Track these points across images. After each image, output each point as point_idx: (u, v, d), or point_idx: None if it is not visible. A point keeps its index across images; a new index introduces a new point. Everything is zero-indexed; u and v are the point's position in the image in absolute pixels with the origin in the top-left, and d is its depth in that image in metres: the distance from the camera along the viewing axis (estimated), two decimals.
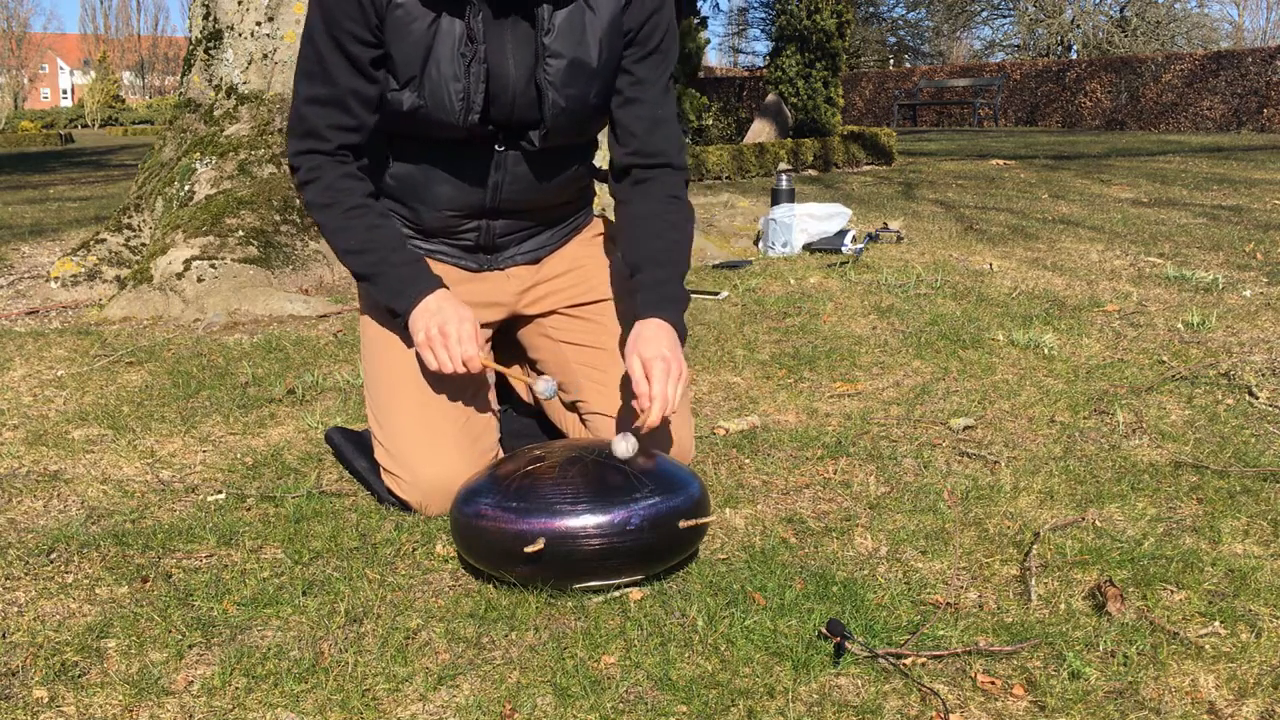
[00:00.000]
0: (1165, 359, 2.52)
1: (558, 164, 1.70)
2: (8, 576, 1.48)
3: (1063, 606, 1.35)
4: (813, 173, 8.46)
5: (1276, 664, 1.20)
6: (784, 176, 4.49)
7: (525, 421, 1.95)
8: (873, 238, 4.41)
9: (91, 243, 3.81)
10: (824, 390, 2.35)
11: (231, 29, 3.95)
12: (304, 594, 1.40)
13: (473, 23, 1.52)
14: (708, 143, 9.64)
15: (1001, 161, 8.75)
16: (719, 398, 2.31)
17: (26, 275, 4.01)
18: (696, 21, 10.19)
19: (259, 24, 3.92)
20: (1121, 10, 29.03)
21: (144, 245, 3.78)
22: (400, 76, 1.55)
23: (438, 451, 1.62)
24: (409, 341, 1.62)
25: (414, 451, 1.62)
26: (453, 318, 1.54)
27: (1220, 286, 3.36)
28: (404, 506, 1.67)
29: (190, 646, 1.27)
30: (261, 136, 3.83)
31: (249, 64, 3.93)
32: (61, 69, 67.01)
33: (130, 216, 3.89)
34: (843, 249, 4.11)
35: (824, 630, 1.25)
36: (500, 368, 1.64)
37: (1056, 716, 1.12)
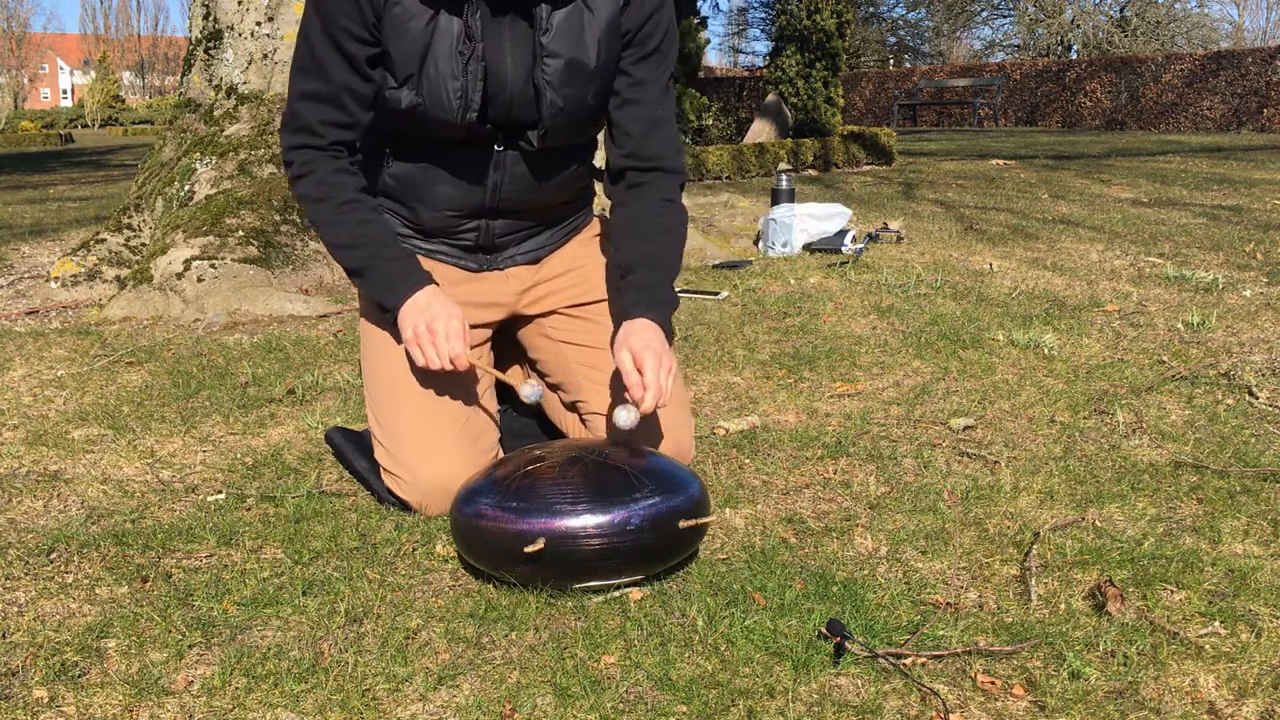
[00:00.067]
0: (1165, 359, 2.52)
1: (557, 164, 1.70)
2: (8, 576, 1.48)
3: (1063, 606, 1.35)
4: (813, 173, 8.46)
5: (1276, 664, 1.20)
6: (784, 176, 4.49)
7: (525, 421, 1.95)
8: (873, 238, 4.41)
9: (91, 243, 3.81)
10: (824, 390, 2.35)
11: (231, 29, 3.95)
12: (304, 594, 1.40)
13: (471, 21, 1.52)
14: (708, 143, 9.64)
15: (1001, 161, 8.75)
16: (719, 398, 2.31)
17: (26, 275, 4.01)
18: (696, 21, 10.19)
19: (259, 24, 3.92)
20: (1121, 10, 29.03)
21: (144, 245, 3.78)
22: (398, 74, 1.55)
23: (438, 451, 1.62)
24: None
25: (414, 451, 1.62)
26: (441, 314, 1.54)
27: (1220, 286, 3.36)
28: (404, 506, 1.67)
29: (190, 646, 1.27)
30: (261, 136, 3.83)
31: (249, 64, 3.93)
32: (61, 69, 67.03)
33: (130, 216, 3.89)
34: (843, 249, 4.11)
35: (824, 630, 1.25)
36: (487, 368, 1.63)
37: (1056, 716, 1.12)
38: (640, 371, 1.49)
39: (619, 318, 1.59)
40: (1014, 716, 1.12)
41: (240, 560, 1.52)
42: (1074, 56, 28.20)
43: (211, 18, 3.99)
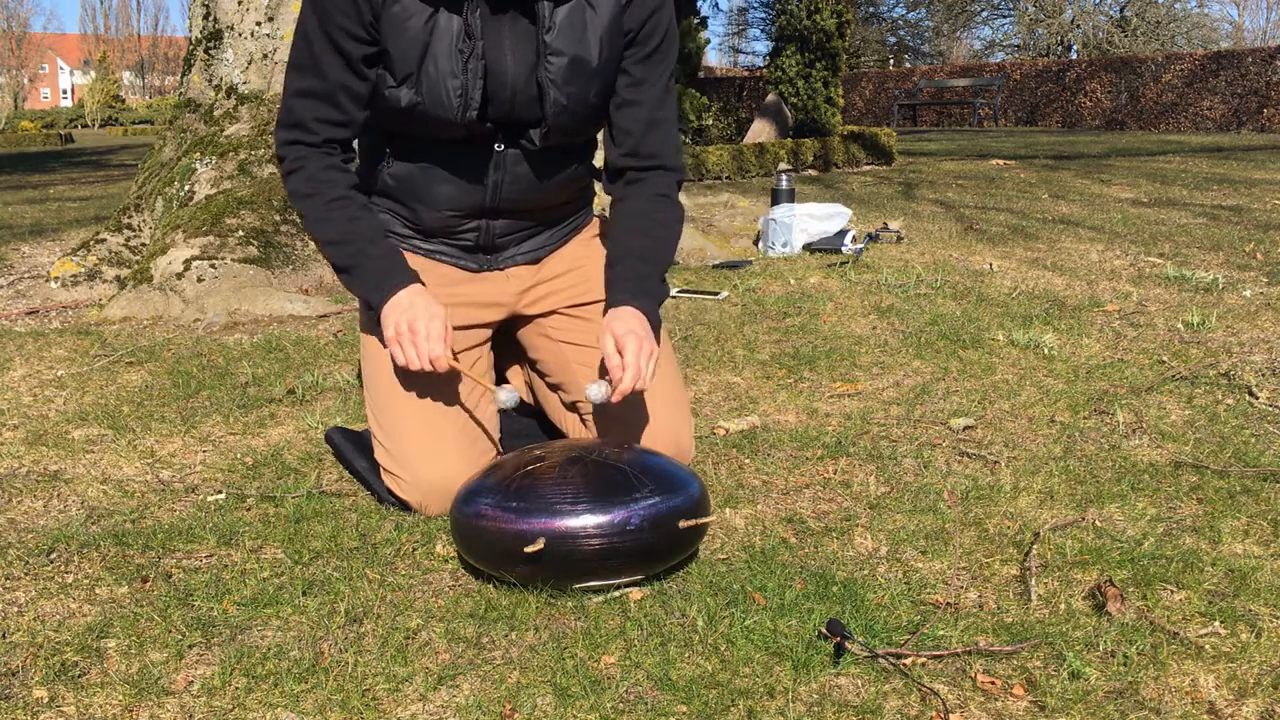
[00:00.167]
0: (1165, 359, 2.52)
1: (557, 163, 1.70)
2: (8, 576, 1.48)
3: (1063, 606, 1.35)
4: (813, 173, 8.46)
5: (1276, 664, 1.20)
6: (784, 176, 4.49)
7: (525, 421, 1.95)
8: (873, 238, 4.41)
9: (91, 243, 3.81)
10: (824, 390, 2.35)
11: (231, 29, 3.95)
12: (304, 594, 1.40)
13: (470, 19, 1.52)
14: (708, 143, 9.64)
15: (1001, 161, 8.75)
16: (719, 398, 2.31)
17: (26, 275, 4.01)
18: (696, 21, 10.19)
19: (259, 24, 3.92)
20: (1121, 10, 29.03)
21: (144, 245, 3.78)
22: (397, 73, 1.55)
23: (438, 451, 1.62)
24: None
25: (414, 451, 1.62)
26: (423, 314, 1.53)
27: (1220, 286, 3.36)
28: (404, 506, 1.67)
29: (190, 646, 1.27)
30: (261, 136, 3.83)
31: (249, 64, 3.93)
32: (61, 69, 67.02)
33: (130, 216, 3.89)
34: (843, 249, 4.11)
35: (824, 630, 1.25)
36: (468, 371, 1.60)
37: (1056, 716, 1.12)
38: (621, 354, 1.50)
39: (607, 307, 1.60)
40: (1014, 716, 1.12)
41: (240, 560, 1.52)
42: (1074, 56, 28.20)
43: (211, 18, 3.99)
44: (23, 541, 1.59)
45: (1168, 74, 16.70)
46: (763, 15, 27.56)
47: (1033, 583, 1.40)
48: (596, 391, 1.53)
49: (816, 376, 2.45)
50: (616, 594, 1.38)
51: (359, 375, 2.41)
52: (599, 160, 1.80)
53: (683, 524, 1.38)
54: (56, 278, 3.64)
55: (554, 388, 1.84)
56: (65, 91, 66.08)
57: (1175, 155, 9.38)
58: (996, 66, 21.03)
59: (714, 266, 3.93)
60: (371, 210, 1.64)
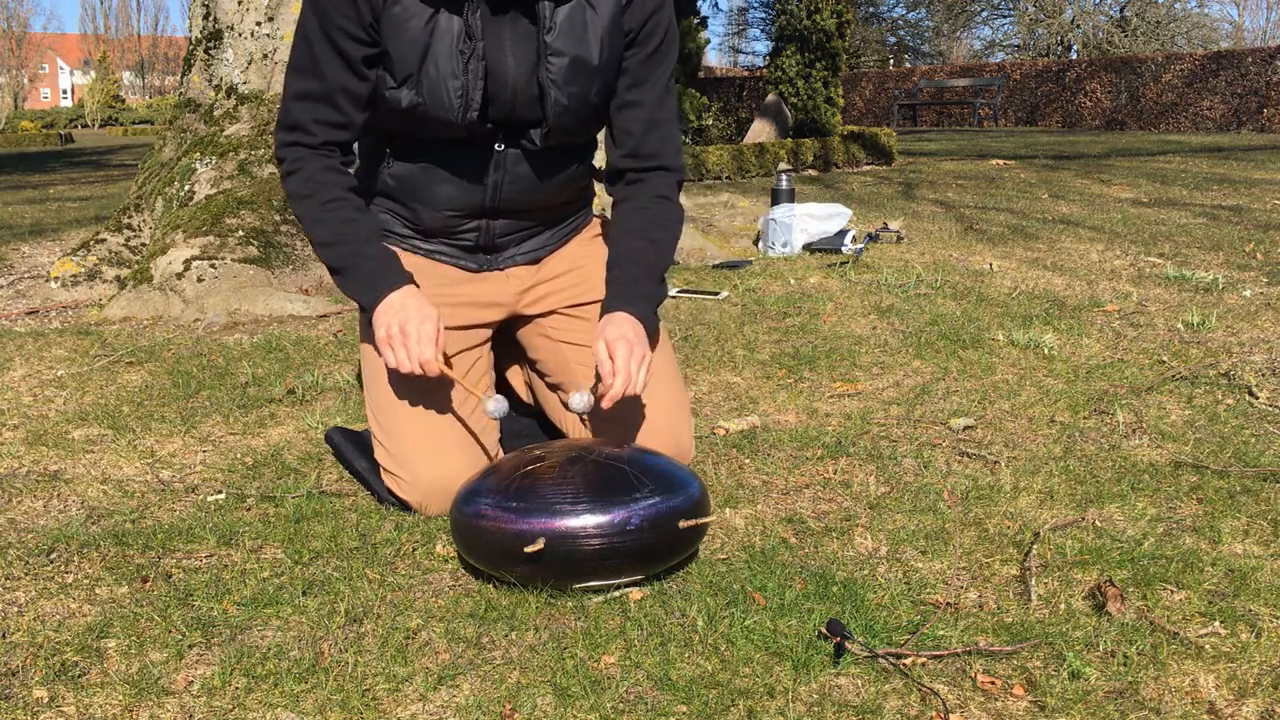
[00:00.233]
0: (1165, 359, 2.52)
1: (558, 163, 1.70)
2: (8, 576, 1.48)
3: (1063, 606, 1.35)
4: (813, 173, 8.46)
5: (1276, 664, 1.20)
6: (784, 176, 4.49)
7: (525, 421, 1.95)
8: (873, 238, 4.41)
9: (91, 243, 3.81)
10: (824, 390, 2.35)
11: (231, 29, 3.95)
12: (304, 594, 1.40)
13: (471, 20, 1.52)
14: (708, 143, 9.64)
15: (1001, 161, 8.75)
16: (719, 398, 2.31)
17: (26, 275, 4.01)
18: (696, 21, 10.19)
19: (259, 24, 3.92)
20: (1121, 10, 29.03)
21: (144, 245, 3.78)
22: (398, 74, 1.55)
23: (438, 452, 1.62)
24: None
25: (414, 452, 1.62)
26: (414, 317, 1.52)
27: (1220, 286, 3.36)
28: (404, 506, 1.67)
29: (190, 646, 1.27)
30: (261, 136, 3.83)
31: (249, 64, 3.93)
32: (61, 69, 67.02)
33: (130, 216, 3.89)
34: (843, 249, 4.11)
35: (824, 630, 1.25)
36: (458, 378, 1.59)
37: (1056, 716, 1.12)
38: (612, 359, 1.50)
39: (603, 312, 1.60)
40: (1014, 716, 1.12)
41: (240, 560, 1.52)
42: (1074, 56, 28.20)
43: (211, 18, 3.99)
44: (23, 541, 1.59)
45: (1168, 74, 16.70)
46: (763, 15, 27.57)
47: (1033, 583, 1.40)
48: (579, 401, 1.54)
49: (816, 376, 2.45)
50: (616, 594, 1.38)
51: (359, 375, 2.41)
52: (599, 161, 1.80)
53: (683, 524, 1.38)
54: (56, 278, 3.64)
55: (554, 388, 1.84)
56: (65, 91, 66.08)
57: (1175, 155, 9.38)
58: (996, 66, 21.03)
59: (714, 266, 3.93)
60: (367, 212, 1.63)
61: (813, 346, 2.70)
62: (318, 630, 1.31)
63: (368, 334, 1.71)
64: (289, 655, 1.25)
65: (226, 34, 3.96)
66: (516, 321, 1.85)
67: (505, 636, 1.29)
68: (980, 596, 1.39)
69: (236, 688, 1.18)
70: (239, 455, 1.98)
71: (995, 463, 1.87)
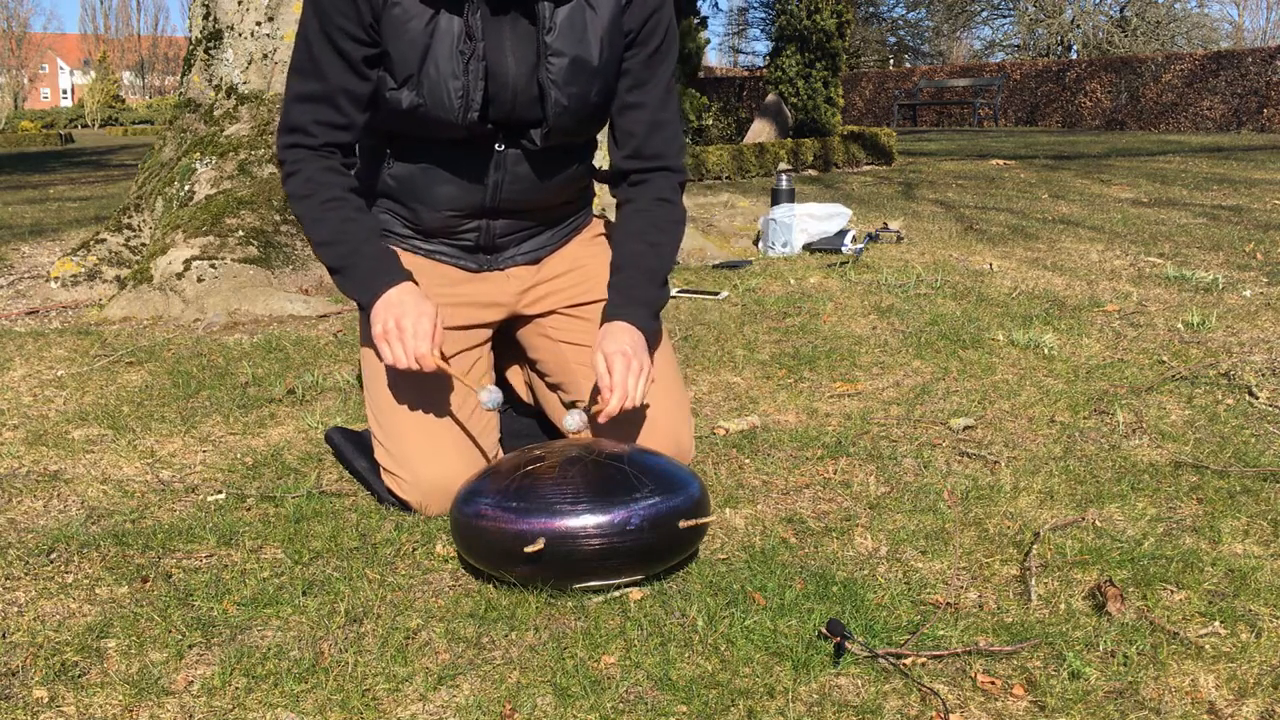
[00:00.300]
0: (1165, 359, 2.52)
1: (558, 163, 1.70)
2: (8, 576, 1.48)
3: (1063, 606, 1.35)
4: (813, 173, 8.46)
5: (1276, 664, 1.20)
6: (784, 176, 4.49)
7: (525, 421, 1.95)
8: (873, 238, 4.41)
9: (91, 243, 3.81)
10: (824, 390, 2.35)
11: (231, 29, 3.95)
12: (304, 594, 1.40)
13: (471, 20, 1.52)
14: (708, 143, 9.64)
15: (1001, 161, 8.75)
16: (719, 398, 2.31)
17: (26, 275, 4.01)
18: (696, 21, 10.20)
19: (259, 24, 3.92)
20: (1121, 10, 29.03)
21: (144, 245, 3.78)
22: (398, 75, 1.55)
23: (438, 452, 1.62)
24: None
25: (414, 452, 1.62)
26: (411, 312, 1.51)
27: (1220, 286, 3.36)
28: (404, 506, 1.67)
29: (190, 646, 1.27)
30: (261, 136, 3.83)
31: (249, 64, 3.93)
32: (61, 69, 67.01)
33: (130, 216, 3.89)
34: (843, 249, 4.11)
35: (824, 630, 1.25)
36: (454, 371, 1.58)
37: (1056, 716, 1.12)
38: (610, 373, 1.50)
39: (603, 319, 1.60)
40: (1014, 716, 1.12)
41: (240, 560, 1.52)
42: (1074, 56, 28.20)
43: (211, 18, 3.99)
44: (23, 541, 1.59)
45: (1168, 74, 16.70)
46: (763, 15, 27.55)
47: (1033, 583, 1.40)
48: (572, 421, 1.55)
49: (816, 376, 2.45)
50: (616, 594, 1.38)
51: (359, 375, 2.41)
52: (602, 161, 1.80)
53: (683, 524, 1.38)
54: (56, 278, 3.64)
55: (554, 388, 1.84)
56: (65, 91, 66.07)
57: (1175, 155, 9.38)
58: (996, 66, 21.03)
59: (714, 266, 3.93)
60: (367, 212, 1.63)
61: (813, 346, 2.70)
62: (318, 630, 1.31)
63: (368, 335, 1.71)
64: (289, 655, 1.25)
65: (226, 34, 3.96)
66: (516, 321, 1.85)
67: (505, 636, 1.29)
68: (980, 596, 1.39)
69: (236, 688, 1.18)
70: (239, 455, 1.98)
71: (995, 463, 1.87)
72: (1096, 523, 1.60)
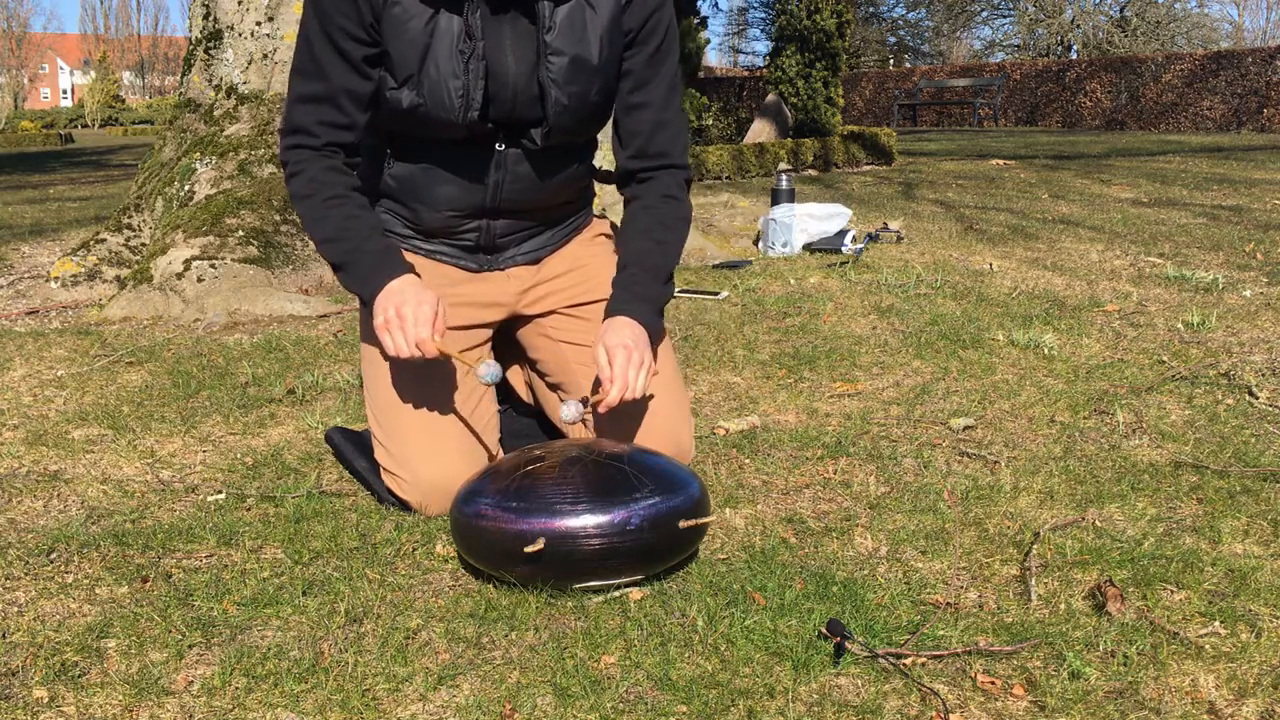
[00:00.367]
0: (1165, 359, 2.52)
1: (558, 163, 1.70)
2: (8, 576, 1.48)
3: (1063, 606, 1.35)
4: (813, 173, 8.46)
5: (1276, 664, 1.20)
6: (784, 176, 4.49)
7: (525, 421, 1.95)
8: (873, 238, 4.41)
9: (91, 243, 3.81)
10: (824, 390, 2.35)
11: (231, 29, 3.95)
12: (304, 594, 1.40)
13: (471, 20, 1.52)
14: (708, 143, 9.64)
15: (1001, 161, 8.75)
16: (719, 398, 2.31)
17: (26, 275, 4.01)
18: (696, 21, 10.20)
19: (259, 24, 3.92)
20: (1121, 10, 29.03)
21: (144, 245, 3.78)
22: (398, 75, 1.55)
23: (438, 451, 1.62)
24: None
25: (414, 452, 1.62)
26: (411, 300, 1.50)
27: (1220, 286, 3.36)
28: (404, 506, 1.67)
29: (190, 646, 1.27)
30: (261, 136, 3.83)
31: (249, 64, 3.93)
32: (61, 69, 67.01)
33: (130, 216, 3.90)
34: (843, 249, 4.11)
35: (824, 630, 1.25)
36: (454, 353, 1.55)
37: (1056, 716, 1.12)
38: (611, 366, 1.51)
39: (606, 314, 1.61)
40: (1014, 716, 1.12)
41: (240, 560, 1.52)
42: (1074, 56, 28.20)
43: (211, 18, 3.99)
44: (23, 541, 1.59)
45: (1168, 74, 16.70)
46: (763, 15, 27.55)
47: (1033, 583, 1.40)
48: (568, 412, 1.54)
49: (816, 376, 2.45)
50: (616, 594, 1.38)
51: (359, 375, 2.41)
52: (603, 161, 1.80)
53: (683, 524, 1.38)
54: (56, 278, 3.64)
55: (554, 388, 1.84)
56: (65, 91, 66.06)
57: (1175, 155, 9.38)
58: (996, 66, 21.03)
59: (714, 266, 3.93)
60: (369, 209, 1.63)
61: (813, 346, 2.70)
62: (318, 630, 1.31)
63: (368, 333, 1.71)
64: (289, 655, 1.25)
65: (226, 34, 3.96)
66: (517, 321, 1.85)
67: (505, 636, 1.29)
68: (980, 596, 1.39)
69: (236, 688, 1.18)
70: (239, 455, 1.98)
71: (995, 463, 1.87)
72: (1096, 523, 1.60)
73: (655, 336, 1.60)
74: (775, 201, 4.41)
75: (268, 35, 3.92)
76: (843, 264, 3.84)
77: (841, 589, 1.38)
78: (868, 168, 8.90)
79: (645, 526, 1.35)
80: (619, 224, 1.73)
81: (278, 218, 3.60)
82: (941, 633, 1.28)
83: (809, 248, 4.19)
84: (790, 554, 1.51)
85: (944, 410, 2.18)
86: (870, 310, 3.11)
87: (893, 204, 5.92)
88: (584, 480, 1.38)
